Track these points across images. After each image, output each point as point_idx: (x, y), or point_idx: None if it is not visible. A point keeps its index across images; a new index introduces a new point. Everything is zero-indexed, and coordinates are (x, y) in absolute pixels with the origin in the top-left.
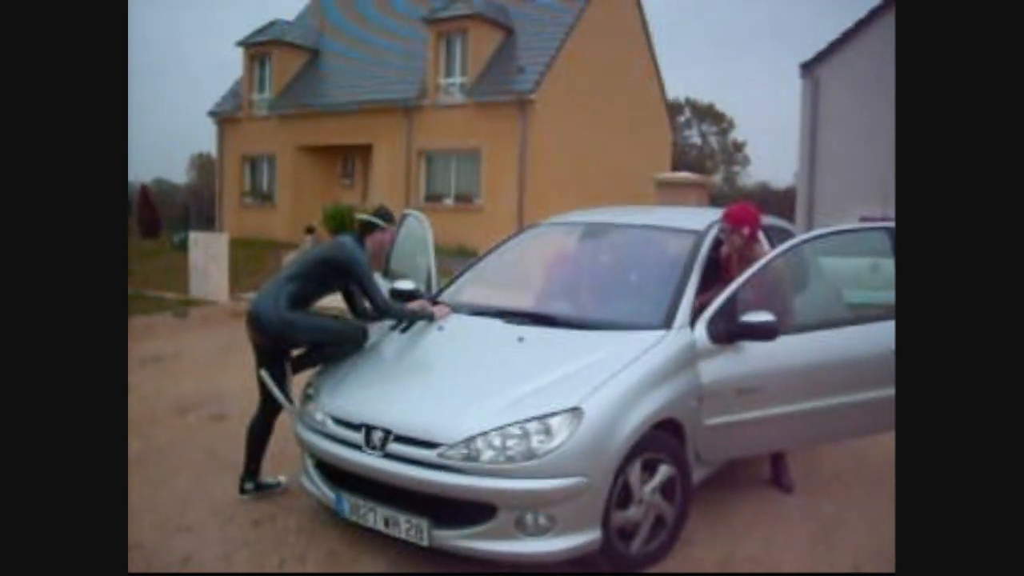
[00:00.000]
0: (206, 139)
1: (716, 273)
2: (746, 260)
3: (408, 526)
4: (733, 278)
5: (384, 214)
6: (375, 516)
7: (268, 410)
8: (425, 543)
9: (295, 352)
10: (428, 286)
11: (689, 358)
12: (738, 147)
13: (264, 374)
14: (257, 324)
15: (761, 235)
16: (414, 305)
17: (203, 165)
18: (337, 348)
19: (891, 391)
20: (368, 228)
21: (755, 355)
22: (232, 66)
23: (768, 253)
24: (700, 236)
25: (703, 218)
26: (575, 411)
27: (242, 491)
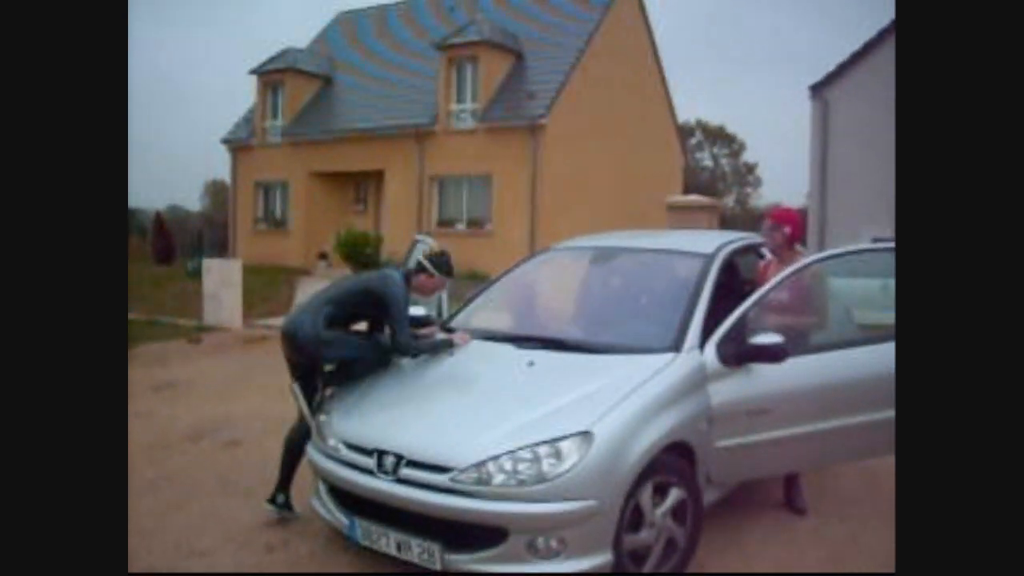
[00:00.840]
0: (220, 166)
1: (732, 294)
2: (785, 264)
3: (420, 550)
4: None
5: (441, 263)
6: (387, 540)
7: (306, 423)
8: (438, 567)
9: (327, 368)
10: (439, 312)
11: (699, 381)
12: (749, 169)
13: (295, 388)
14: (293, 342)
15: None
16: (434, 338)
17: (217, 192)
18: (365, 365)
19: None
20: (420, 269)
21: (766, 376)
22: (245, 94)
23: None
24: (709, 259)
25: (713, 241)
26: (585, 435)
27: (272, 501)
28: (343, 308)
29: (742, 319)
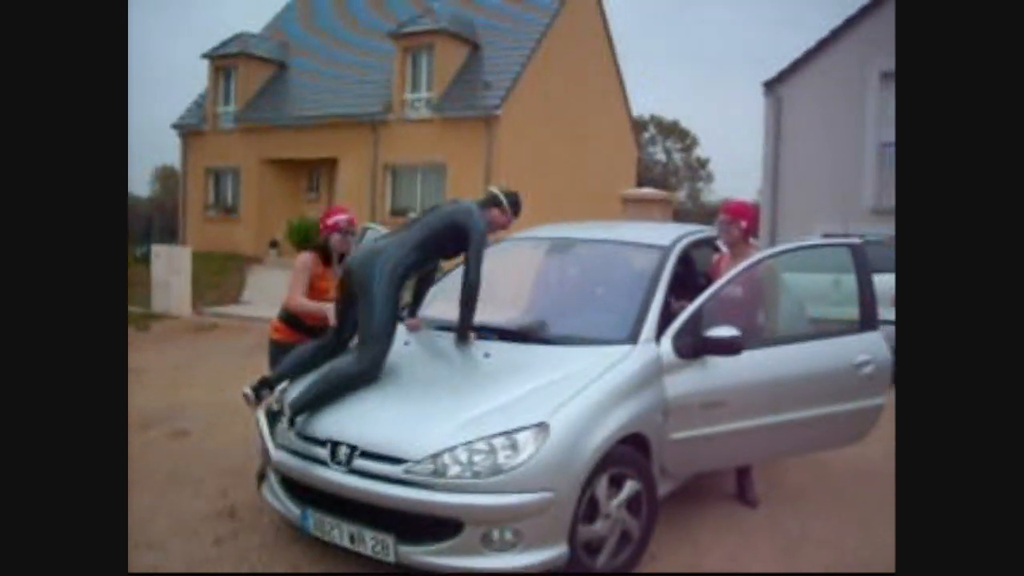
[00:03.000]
0: (170, 152)
1: (688, 286)
2: (740, 258)
3: (374, 542)
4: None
5: (514, 200)
6: (340, 532)
7: (333, 344)
8: (391, 559)
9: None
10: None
11: (655, 373)
12: (702, 164)
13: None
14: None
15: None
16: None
17: (166, 177)
18: (323, 353)
19: (853, 404)
20: (496, 203)
21: (720, 369)
22: (197, 77)
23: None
24: (666, 251)
25: (669, 233)
26: (541, 426)
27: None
28: (427, 252)
29: (698, 312)
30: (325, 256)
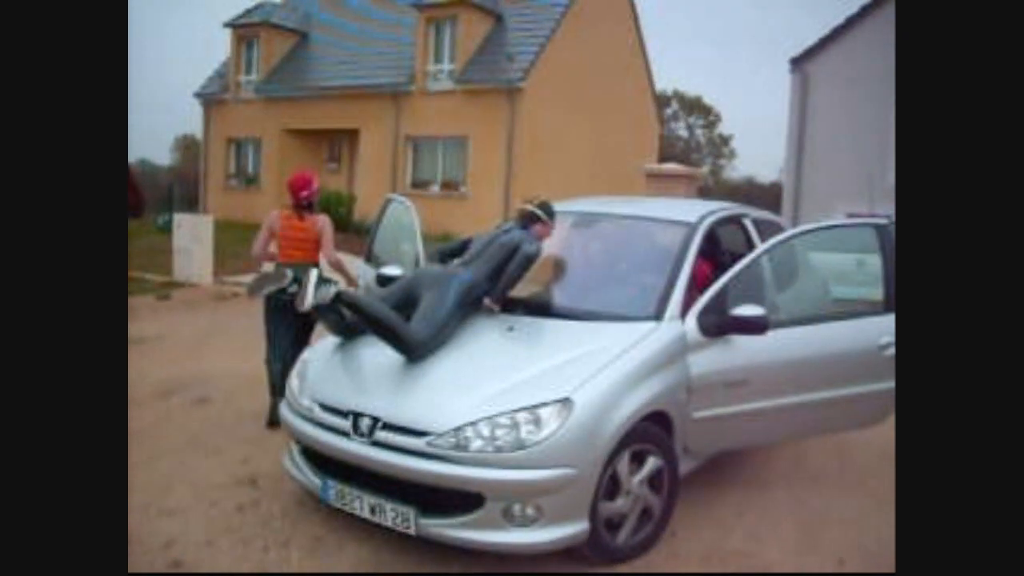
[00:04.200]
0: (192, 121)
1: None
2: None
3: (395, 514)
4: None
5: (549, 210)
6: (361, 504)
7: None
8: (412, 531)
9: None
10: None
11: (679, 350)
12: (724, 141)
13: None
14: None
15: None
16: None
17: (188, 147)
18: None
19: (876, 385)
20: (532, 219)
21: (744, 348)
22: (219, 46)
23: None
24: (692, 228)
25: (695, 210)
26: (565, 402)
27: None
28: (495, 279)
29: (724, 290)
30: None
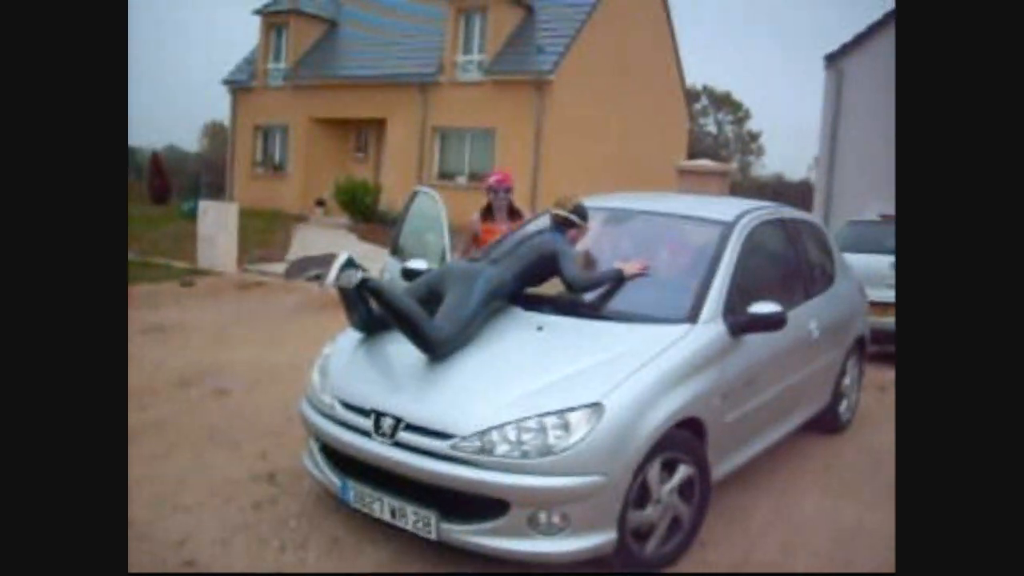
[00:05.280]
0: (220, 108)
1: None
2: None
3: (416, 518)
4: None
5: (581, 212)
6: (381, 506)
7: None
8: (433, 536)
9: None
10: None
11: (714, 354)
12: (753, 137)
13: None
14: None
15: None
16: (603, 270)
17: (215, 134)
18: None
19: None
20: (567, 224)
21: (756, 344)
22: (248, 34)
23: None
24: (729, 227)
25: (730, 208)
26: (596, 407)
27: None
28: (523, 281)
29: (733, 288)
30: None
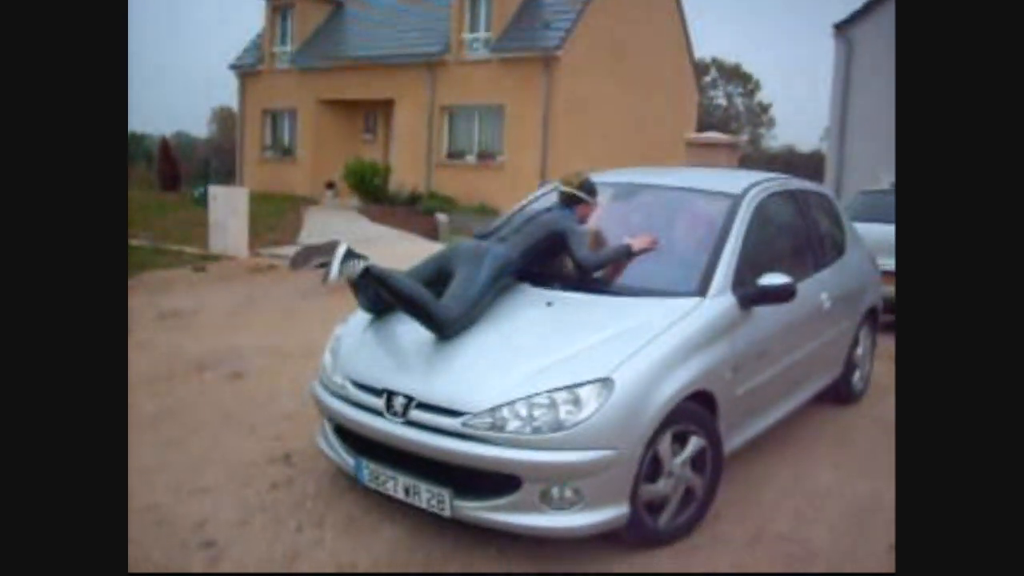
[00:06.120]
0: (227, 93)
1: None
2: None
3: (430, 496)
4: None
5: (588, 187)
6: (395, 484)
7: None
8: (447, 513)
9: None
10: None
11: (724, 326)
12: (764, 109)
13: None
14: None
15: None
16: (610, 247)
17: (224, 119)
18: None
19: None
20: (575, 200)
21: (766, 316)
22: (254, 17)
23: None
24: (737, 199)
25: (739, 180)
26: (606, 381)
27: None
28: (529, 258)
29: (743, 260)
30: None
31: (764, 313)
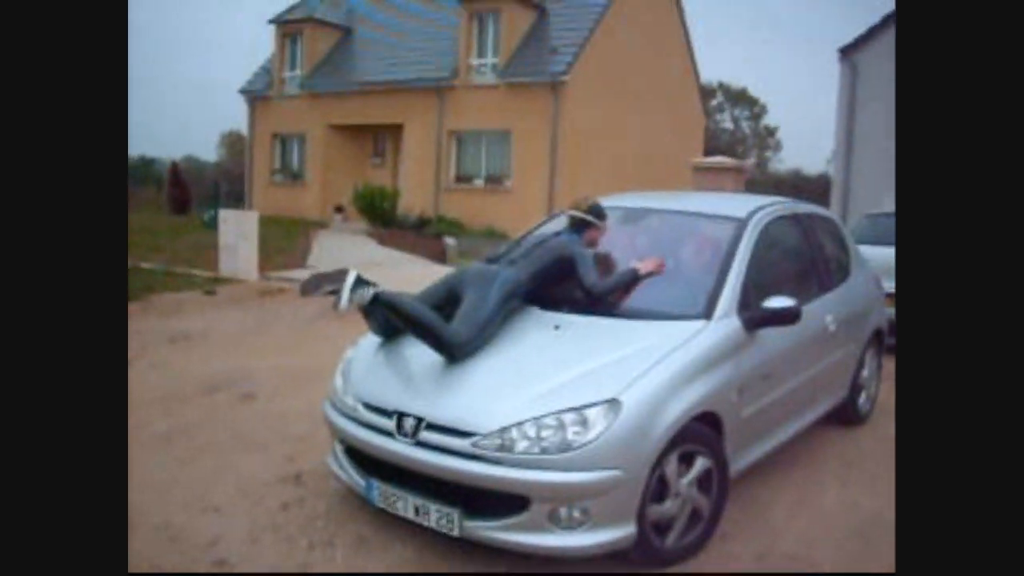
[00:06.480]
0: (237, 117)
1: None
2: None
3: (439, 515)
4: None
5: (597, 211)
6: (405, 504)
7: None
8: (456, 533)
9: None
10: None
11: (730, 349)
12: (770, 132)
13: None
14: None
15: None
16: (617, 273)
17: (233, 143)
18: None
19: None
20: (584, 224)
21: (771, 338)
22: (264, 44)
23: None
24: (742, 223)
25: (744, 204)
26: (613, 403)
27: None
28: (538, 282)
29: (746, 283)
30: None
31: (769, 335)
